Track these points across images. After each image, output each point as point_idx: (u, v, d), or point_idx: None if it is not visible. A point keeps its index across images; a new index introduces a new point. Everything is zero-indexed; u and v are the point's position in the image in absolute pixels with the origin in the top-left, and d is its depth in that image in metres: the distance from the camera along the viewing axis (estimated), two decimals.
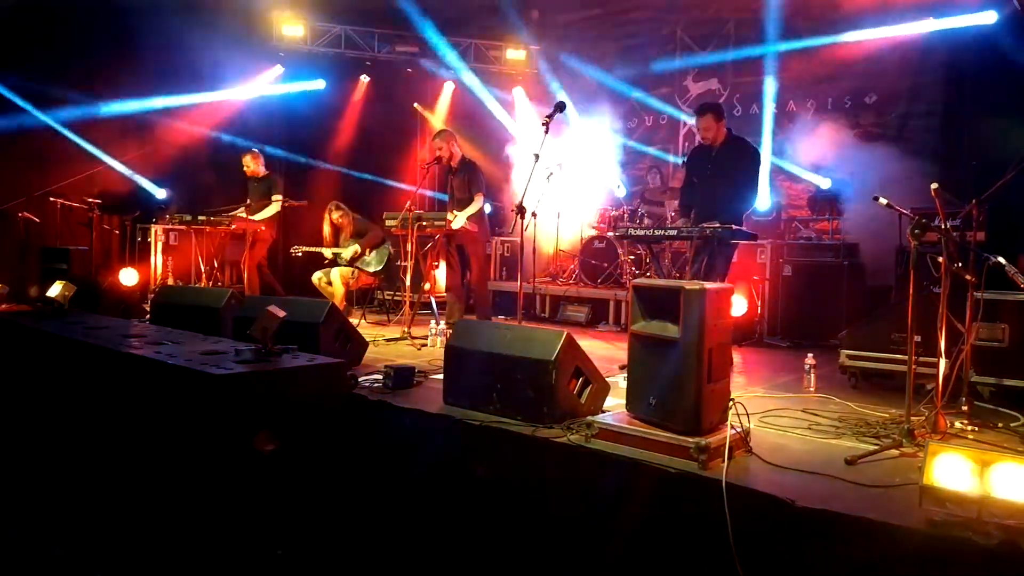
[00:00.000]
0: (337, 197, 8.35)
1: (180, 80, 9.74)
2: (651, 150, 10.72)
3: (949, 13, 7.84)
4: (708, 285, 3.17)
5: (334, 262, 7.74)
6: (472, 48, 11.31)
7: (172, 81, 9.70)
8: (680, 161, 10.27)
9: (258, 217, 8.19)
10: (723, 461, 2.95)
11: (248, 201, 8.34)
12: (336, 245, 7.83)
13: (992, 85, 7.22)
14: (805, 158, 9.22)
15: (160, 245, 8.92)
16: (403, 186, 11.11)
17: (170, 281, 8.67)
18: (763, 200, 8.27)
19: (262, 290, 8.24)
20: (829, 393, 4.61)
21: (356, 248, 7.66)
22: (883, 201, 3.74)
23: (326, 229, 7.88)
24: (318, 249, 7.72)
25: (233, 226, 7.95)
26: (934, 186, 3.66)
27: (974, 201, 4.19)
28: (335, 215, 7.88)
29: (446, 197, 7.35)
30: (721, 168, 5.52)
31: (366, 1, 10.52)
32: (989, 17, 7.59)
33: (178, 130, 9.96)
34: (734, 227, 5.24)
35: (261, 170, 8.49)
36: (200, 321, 5.17)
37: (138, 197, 9.94)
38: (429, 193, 11.32)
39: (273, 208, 8.28)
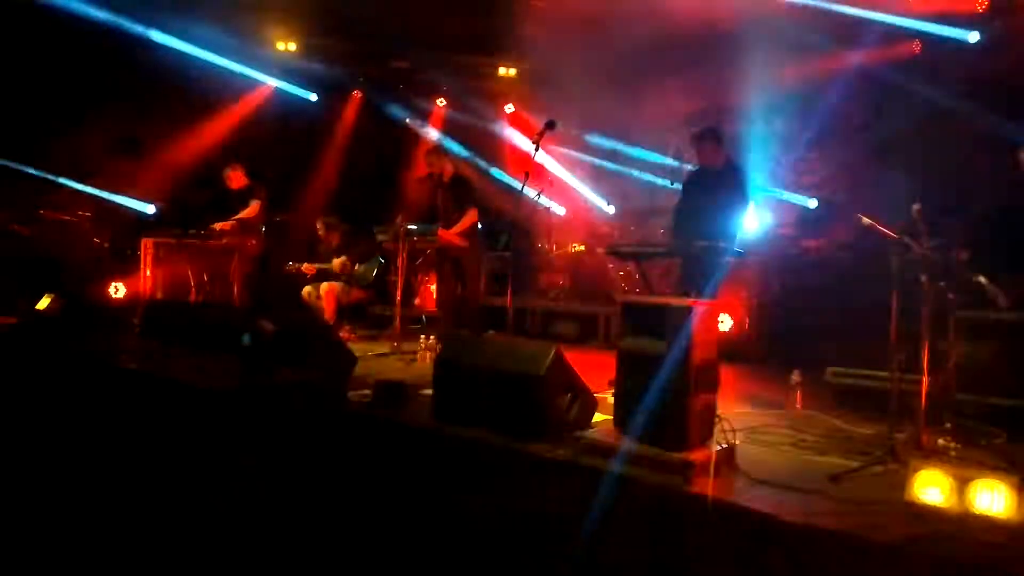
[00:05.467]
0: (328, 211, 8.36)
1: (173, 93, 9.76)
2: (640, 165, 10.79)
3: (934, 33, 7.99)
4: (695, 302, 3.21)
5: (323, 275, 7.75)
6: (464, 65, 11.39)
7: (165, 93, 9.73)
8: (669, 179, 10.35)
9: (236, 217, 8.16)
10: (709, 477, 2.98)
11: (237, 214, 8.34)
12: (326, 256, 7.85)
13: (976, 104, 7.33)
14: (792, 177, 9.33)
15: (149, 259, 8.90)
16: (394, 200, 11.14)
17: (160, 295, 8.64)
18: (752, 222, 8.34)
19: (251, 304, 8.22)
20: (814, 410, 4.66)
21: (344, 261, 7.68)
22: (866, 221, 3.79)
23: (321, 243, 7.96)
24: (305, 265, 7.74)
25: (224, 240, 7.95)
26: (916, 206, 3.72)
27: (956, 221, 4.27)
28: (322, 226, 7.93)
29: (438, 212, 7.38)
30: (718, 193, 5.58)
31: (359, 17, 10.59)
32: (973, 36, 7.72)
33: (169, 144, 9.97)
34: (722, 244, 5.30)
35: (243, 182, 8.49)
36: (191, 335, 5.17)
37: (128, 211, 9.94)
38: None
39: (249, 211, 8.21)
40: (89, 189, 9.56)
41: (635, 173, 10.78)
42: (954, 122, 7.67)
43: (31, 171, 9.16)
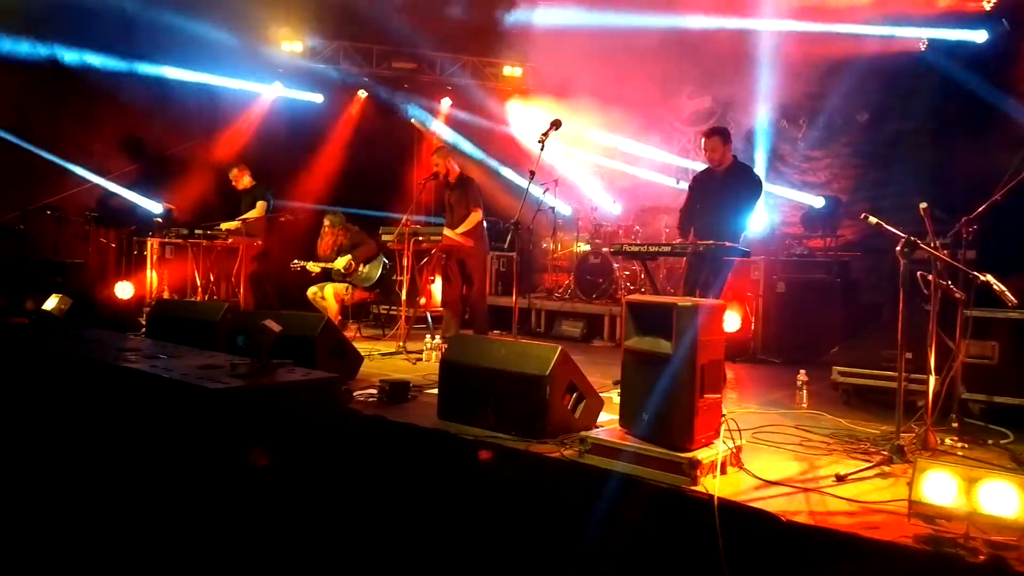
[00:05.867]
0: (334, 210, 8.35)
1: (180, 93, 9.80)
2: (646, 163, 10.79)
3: (941, 27, 7.98)
4: (701, 302, 3.20)
5: (327, 276, 7.75)
6: (469, 65, 11.41)
7: (171, 94, 9.76)
8: (675, 177, 10.36)
9: (243, 217, 8.15)
10: (715, 477, 2.98)
11: (242, 214, 8.35)
12: (331, 256, 7.84)
13: (982, 103, 7.31)
14: (798, 176, 9.31)
15: (156, 259, 8.92)
16: (400, 200, 11.16)
17: (166, 295, 8.66)
18: (759, 221, 8.34)
19: (256, 305, 8.24)
20: (821, 409, 4.64)
21: (349, 260, 7.68)
22: (872, 220, 3.78)
23: (325, 240, 7.93)
24: (308, 263, 7.73)
25: (229, 240, 7.96)
26: (923, 205, 3.71)
27: (963, 219, 4.24)
28: (327, 226, 7.92)
29: (443, 212, 7.39)
30: (724, 194, 5.59)
31: (364, 18, 10.62)
32: (980, 36, 7.70)
33: (176, 145, 10.01)
34: (728, 244, 5.29)
35: (248, 182, 8.51)
36: (196, 335, 5.18)
37: (134, 211, 9.98)
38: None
39: (255, 212, 8.24)
40: (100, 179, 9.59)
41: (641, 172, 10.78)
42: (961, 119, 7.65)
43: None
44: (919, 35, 8.11)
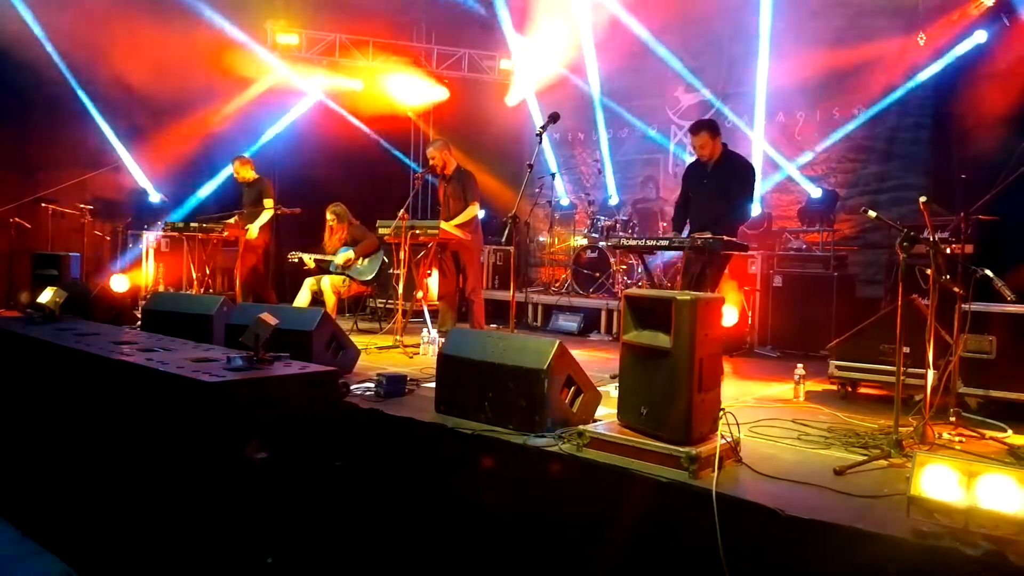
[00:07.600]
0: (337, 202, 8.31)
1: (175, 85, 9.74)
2: (643, 158, 10.78)
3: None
4: (699, 296, 3.19)
5: (324, 269, 7.72)
6: (466, 57, 11.38)
7: (168, 85, 9.71)
8: (671, 171, 10.35)
9: (253, 226, 8.11)
10: (713, 471, 2.97)
11: (243, 207, 8.32)
12: (332, 248, 7.82)
13: (980, 98, 7.29)
14: (795, 169, 9.31)
15: (152, 252, 8.90)
16: (397, 194, 11.11)
17: (161, 288, 8.63)
18: (754, 208, 8.34)
19: (253, 298, 8.21)
20: (818, 403, 4.65)
21: (349, 255, 7.65)
22: (872, 214, 3.77)
23: (333, 235, 7.89)
24: (304, 255, 7.69)
25: (226, 233, 7.92)
26: (922, 199, 3.70)
27: (962, 214, 4.24)
28: (330, 216, 7.87)
29: (440, 205, 7.37)
30: (717, 184, 5.56)
31: (361, 10, 10.58)
32: (980, 37, 7.70)
33: (174, 136, 9.96)
34: (725, 238, 5.28)
35: (251, 175, 8.46)
36: (191, 328, 5.16)
37: (130, 204, 9.94)
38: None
39: (266, 215, 8.23)
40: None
41: (638, 165, 10.76)
42: (960, 113, 7.63)
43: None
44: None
